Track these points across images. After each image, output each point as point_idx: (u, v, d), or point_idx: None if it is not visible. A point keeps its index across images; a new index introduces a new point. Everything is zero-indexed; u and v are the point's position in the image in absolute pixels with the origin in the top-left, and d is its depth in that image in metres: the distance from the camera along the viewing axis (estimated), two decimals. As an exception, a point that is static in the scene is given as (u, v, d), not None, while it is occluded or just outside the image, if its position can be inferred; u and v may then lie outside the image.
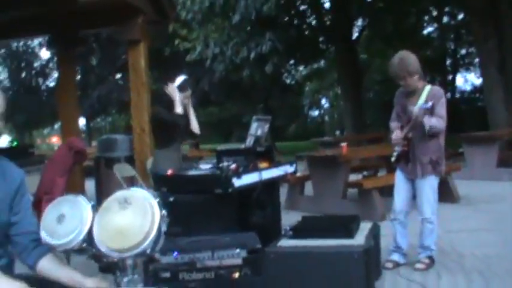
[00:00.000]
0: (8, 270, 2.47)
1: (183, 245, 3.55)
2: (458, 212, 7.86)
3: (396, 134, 5.11)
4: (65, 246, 2.40)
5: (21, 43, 33.65)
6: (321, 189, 8.53)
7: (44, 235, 2.42)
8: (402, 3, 19.22)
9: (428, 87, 5.03)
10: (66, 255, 2.63)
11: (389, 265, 5.20)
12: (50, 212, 2.47)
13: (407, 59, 5.00)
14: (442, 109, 4.97)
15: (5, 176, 2.60)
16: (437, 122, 4.93)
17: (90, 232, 2.40)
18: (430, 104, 4.85)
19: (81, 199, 2.51)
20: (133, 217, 2.34)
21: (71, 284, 2.46)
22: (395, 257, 5.27)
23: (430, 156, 5.04)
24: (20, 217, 2.60)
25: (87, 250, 2.46)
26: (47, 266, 2.54)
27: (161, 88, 5.95)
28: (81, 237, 2.39)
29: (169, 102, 5.77)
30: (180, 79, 5.95)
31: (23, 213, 2.61)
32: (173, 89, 5.79)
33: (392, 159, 5.22)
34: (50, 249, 2.56)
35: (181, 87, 5.85)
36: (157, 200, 2.42)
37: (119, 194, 2.44)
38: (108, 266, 2.53)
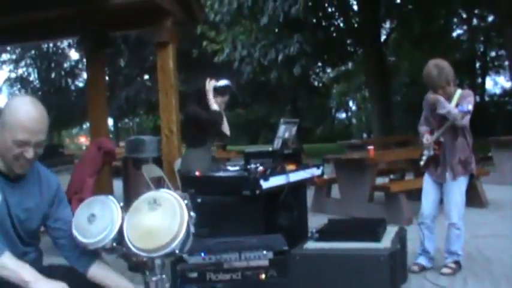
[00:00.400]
0: (38, 263, 2.56)
1: (211, 246, 3.58)
2: (486, 217, 7.80)
3: (427, 138, 5.09)
4: (95, 245, 2.47)
5: (51, 44, 34.08)
6: (347, 192, 8.52)
7: (76, 234, 2.49)
8: (431, 5, 19.07)
9: (459, 91, 4.99)
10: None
11: (416, 268, 5.18)
12: (81, 212, 2.53)
13: (444, 68, 4.94)
14: (467, 104, 4.85)
15: (41, 182, 2.68)
16: (459, 112, 4.84)
17: (120, 232, 2.46)
18: (470, 107, 4.81)
19: (111, 200, 2.57)
20: (162, 218, 2.39)
21: None
22: (422, 260, 5.25)
23: (458, 156, 5.00)
24: (62, 223, 2.68)
25: (117, 249, 2.52)
26: (98, 273, 2.63)
27: (197, 86, 5.96)
28: (112, 236, 2.45)
29: (204, 101, 5.81)
30: (222, 82, 5.97)
31: (65, 219, 2.67)
32: (211, 86, 5.82)
33: (421, 163, 5.17)
34: (97, 255, 2.65)
35: (221, 91, 5.87)
36: (186, 201, 2.47)
37: (149, 195, 2.50)
38: (136, 265, 2.58)
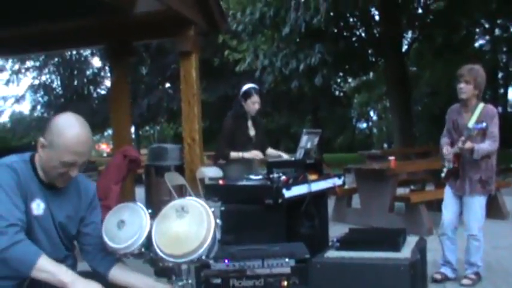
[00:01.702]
0: (73, 269, 2.62)
1: (234, 253, 3.65)
2: (506, 228, 7.79)
3: (447, 149, 5.12)
4: (125, 250, 2.55)
5: (74, 52, 34.39)
6: (368, 202, 8.54)
7: (105, 239, 2.57)
8: (453, 16, 19.01)
9: (481, 105, 5.02)
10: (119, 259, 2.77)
11: (438, 276, 5.23)
12: (111, 218, 2.62)
13: (479, 70, 5.04)
14: (495, 128, 4.95)
15: (79, 190, 2.79)
16: (489, 146, 4.92)
17: (148, 238, 2.54)
18: (484, 124, 4.83)
19: (139, 206, 2.66)
20: (190, 225, 2.47)
21: (143, 287, 2.64)
22: (445, 270, 5.29)
23: (480, 175, 5.04)
24: (91, 229, 2.78)
25: (144, 254, 2.60)
26: (119, 273, 2.72)
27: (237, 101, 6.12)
28: (140, 242, 2.54)
29: (244, 116, 6.05)
30: (246, 86, 6.12)
31: (95, 226, 2.78)
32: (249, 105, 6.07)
33: (442, 175, 5.22)
34: (118, 258, 2.74)
35: (246, 94, 6.00)
36: (213, 209, 2.54)
37: (177, 203, 2.58)
38: (163, 270, 2.66)
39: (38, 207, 2.58)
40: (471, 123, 4.92)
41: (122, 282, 2.69)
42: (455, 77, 5.13)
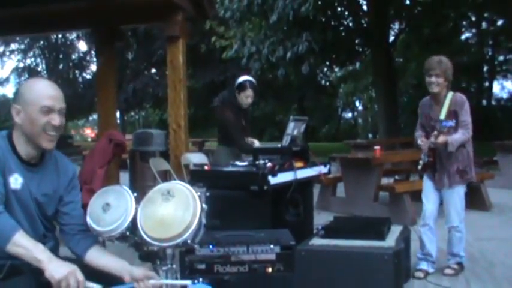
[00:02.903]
0: (55, 252, 2.58)
1: (219, 239, 3.64)
2: (489, 220, 7.85)
3: (422, 140, 5.11)
4: (109, 233, 2.53)
5: (60, 35, 34.15)
6: (352, 191, 8.57)
7: (90, 222, 2.55)
8: (441, 8, 19.06)
9: (450, 94, 5.00)
10: (103, 242, 2.74)
11: (421, 274, 5.16)
12: (96, 201, 2.59)
13: (448, 62, 5.00)
14: (466, 116, 4.95)
15: (58, 169, 2.76)
16: (462, 135, 4.91)
17: (133, 221, 2.52)
18: (454, 121, 4.87)
19: (125, 190, 2.63)
20: (175, 209, 2.45)
21: (119, 271, 2.58)
22: (425, 265, 5.24)
23: (457, 166, 5.04)
24: (69, 208, 2.75)
25: (129, 238, 2.58)
26: (96, 256, 2.68)
27: (234, 96, 6.15)
28: (125, 225, 2.52)
29: (237, 107, 6.10)
30: (242, 78, 6.13)
31: (73, 206, 2.76)
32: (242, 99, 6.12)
33: (419, 167, 5.18)
34: (96, 240, 2.71)
35: (240, 86, 6.01)
36: (199, 193, 2.52)
37: (163, 186, 2.56)
38: (147, 255, 2.64)
39: (15, 181, 2.55)
40: (443, 115, 4.92)
41: (98, 265, 2.64)
42: None
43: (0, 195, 2.44)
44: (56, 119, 2.55)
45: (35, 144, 2.59)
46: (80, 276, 2.31)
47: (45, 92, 2.55)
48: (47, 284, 2.36)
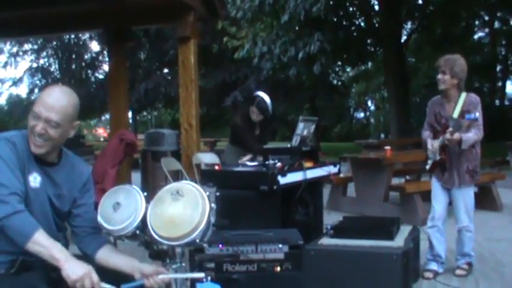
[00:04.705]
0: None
1: (228, 238, 3.68)
2: (500, 220, 7.83)
3: (431, 144, 5.08)
4: (119, 232, 2.57)
5: (72, 35, 34.28)
6: (363, 191, 8.58)
7: (101, 221, 2.59)
8: (453, 8, 18.99)
9: (464, 94, 5.00)
10: (114, 241, 2.78)
11: (430, 275, 5.16)
12: (107, 200, 2.63)
13: (457, 59, 5.00)
14: (479, 117, 4.94)
15: (73, 171, 2.81)
16: (475, 135, 4.91)
17: (143, 220, 2.56)
18: (477, 114, 4.83)
19: (135, 189, 2.67)
20: (184, 208, 2.48)
21: (129, 269, 2.62)
22: (434, 266, 5.24)
23: (467, 165, 5.03)
24: (82, 210, 2.80)
25: (139, 237, 2.62)
26: (106, 255, 2.72)
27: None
28: (135, 224, 2.56)
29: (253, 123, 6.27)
30: (257, 93, 6.44)
31: (86, 208, 2.81)
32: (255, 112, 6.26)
33: (427, 167, 5.16)
34: (106, 240, 2.76)
35: (251, 100, 6.36)
36: (208, 193, 2.56)
37: (172, 186, 2.60)
38: (157, 253, 2.68)
39: (34, 180, 2.61)
40: (456, 114, 4.92)
41: (108, 264, 2.69)
42: None
43: (21, 193, 2.49)
44: (39, 127, 2.54)
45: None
46: (95, 277, 2.37)
47: (44, 98, 2.57)
48: (57, 280, 2.42)
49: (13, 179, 2.48)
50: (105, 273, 2.54)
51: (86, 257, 2.69)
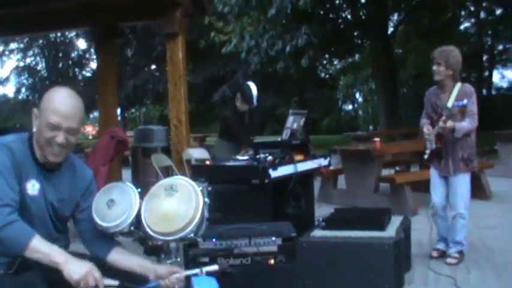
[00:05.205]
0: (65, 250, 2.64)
1: (222, 232, 3.70)
2: (490, 208, 7.89)
3: (428, 128, 5.19)
4: (114, 229, 2.59)
5: (59, 34, 34.14)
6: (353, 183, 8.62)
7: (95, 218, 2.60)
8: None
9: (458, 85, 5.11)
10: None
11: (435, 253, 5.38)
12: (101, 197, 2.65)
13: (451, 50, 5.13)
14: (473, 106, 5.05)
15: (75, 174, 2.80)
16: (468, 124, 5.00)
17: (137, 216, 2.58)
18: (465, 101, 4.93)
19: (129, 186, 2.69)
20: (178, 203, 2.51)
21: (143, 270, 2.63)
22: (441, 245, 5.43)
23: (461, 154, 5.13)
24: (87, 214, 2.76)
25: (134, 233, 2.64)
26: (118, 257, 2.72)
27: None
28: (130, 220, 2.58)
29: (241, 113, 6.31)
30: (245, 84, 6.36)
31: (91, 211, 2.76)
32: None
33: (425, 157, 5.28)
34: (116, 242, 2.76)
35: (245, 100, 6.24)
36: (201, 188, 2.58)
37: (166, 181, 2.62)
38: (152, 249, 2.71)
39: (32, 187, 2.60)
40: (450, 103, 5.01)
41: (120, 266, 2.69)
42: None
43: (15, 203, 2.48)
44: (60, 137, 2.54)
45: (43, 155, 2.62)
46: (97, 274, 2.38)
47: (57, 107, 2.53)
48: (56, 280, 2.43)
49: (6, 188, 2.46)
50: (117, 275, 2.55)
51: (96, 259, 2.67)
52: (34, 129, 2.61)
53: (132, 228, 2.60)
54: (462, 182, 5.20)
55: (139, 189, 2.67)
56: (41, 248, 2.40)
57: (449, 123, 4.93)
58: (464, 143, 5.13)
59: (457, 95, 5.03)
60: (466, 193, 5.24)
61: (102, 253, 2.73)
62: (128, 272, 2.65)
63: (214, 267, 2.60)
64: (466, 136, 5.09)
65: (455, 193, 5.22)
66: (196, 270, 2.60)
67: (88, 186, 2.84)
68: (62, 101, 2.55)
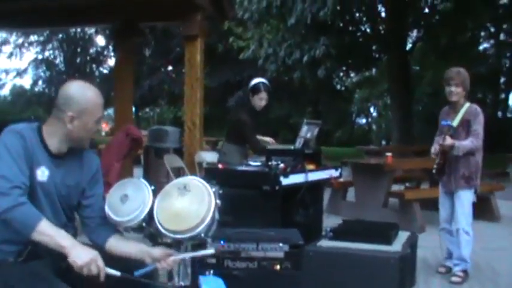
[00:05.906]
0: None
1: (230, 235, 3.74)
2: (497, 230, 7.87)
3: (435, 147, 5.33)
4: (126, 224, 2.64)
5: (79, 29, 34.33)
6: (363, 196, 8.62)
7: (108, 212, 2.65)
8: (459, 18, 19.02)
9: (467, 105, 5.26)
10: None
11: (442, 269, 5.50)
12: (115, 192, 2.70)
13: (465, 73, 5.25)
14: (478, 126, 5.17)
15: (82, 162, 2.86)
16: (470, 143, 5.12)
17: (150, 213, 2.63)
18: (449, 122, 5.14)
19: (143, 183, 2.74)
20: (191, 203, 2.56)
21: (139, 254, 2.69)
22: (449, 262, 5.50)
23: (463, 171, 5.25)
24: (92, 201, 2.85)
25: (145, 229, 2.69)
26: (116, 243, 2.78)
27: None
28: (142, 216, 2.63)
29: (255, 112, 6.19)
30: (255, 80, 6.20)
31: (95, 199, 2.87)
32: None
33: (434, 171, 5.41)
34: (115, 229, 2.81)
35: (254, 89, 6.08)
36: (214, 190, 2.63)
37: (179, 181, 2.67)
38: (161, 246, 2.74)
39: (42, 173, 2.66)
40: (456, 122, 5.19)
41: (118, 252, 2.75)
42: None
43: (24, 187, 2.53)
44: (102, 125, 2.69)
45: (77, 145, 2.74)
46: (101, 263, 2.44)
47: (97, 101, 2.70)
48: (64, 268, 2.48)
49: (17, 172, 2.52)
50: (116, 262, 2.60)
51: (96, 247, 2.73)
52: (70, 129, 2.66)
53: (144, 224, 2.65)
54: (463, 199, 5.29)
55: (152, 187, 2.72)
56: (48, 231, 2.46)
57: (448, 141, 5.08)
58: (467, 161, 5.24)
59: (464, 114, 5.20)
60: (468, 209, 5.31)
61: (101, 240, 2.79)
62: (125, 259, 2.71)
63: (210, 251, 2.66)
64: (469, 155, 5.21)
65: (457, 208, 5.32)
66: (193, 253, 2.67)
67: (94, 174, 2.90)
68: (98, 94, 2.72)
